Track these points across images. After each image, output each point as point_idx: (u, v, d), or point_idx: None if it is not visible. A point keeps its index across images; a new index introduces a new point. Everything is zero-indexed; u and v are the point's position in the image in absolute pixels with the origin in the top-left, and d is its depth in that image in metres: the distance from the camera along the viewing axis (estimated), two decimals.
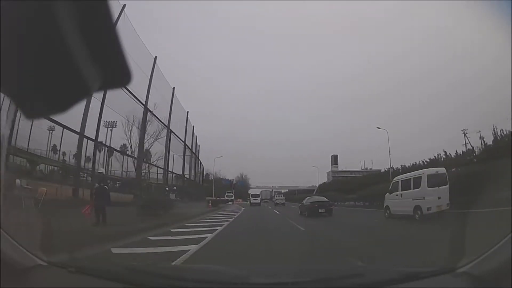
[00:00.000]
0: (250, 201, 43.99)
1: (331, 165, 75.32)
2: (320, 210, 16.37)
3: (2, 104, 4.90)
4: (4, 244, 1.47)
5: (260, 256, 5.95)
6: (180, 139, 30.51)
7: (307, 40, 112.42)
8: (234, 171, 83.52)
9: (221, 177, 73.66)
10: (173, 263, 5.00)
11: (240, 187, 75.18)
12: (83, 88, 0.74)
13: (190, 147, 36.16)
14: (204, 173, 65.48)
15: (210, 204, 28.71)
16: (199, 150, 45.08)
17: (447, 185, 11.77)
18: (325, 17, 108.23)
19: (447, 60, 73.64)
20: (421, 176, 12.28)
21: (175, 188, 24.93)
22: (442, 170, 12.70)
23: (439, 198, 11.39)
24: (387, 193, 14.36)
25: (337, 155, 75.70)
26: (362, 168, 65.68)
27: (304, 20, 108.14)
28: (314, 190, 57.90)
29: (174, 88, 27.20)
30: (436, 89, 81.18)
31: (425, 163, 22.69)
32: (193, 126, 37.92)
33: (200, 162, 46.76)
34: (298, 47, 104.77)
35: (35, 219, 6.00)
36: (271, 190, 76.00)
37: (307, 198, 19.69)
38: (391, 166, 28.34)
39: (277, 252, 6.30)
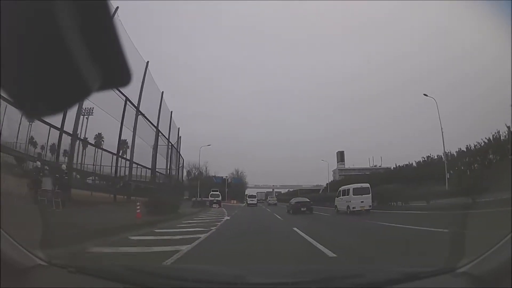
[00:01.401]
0: (247, 202, 45.30)
1: (337, 162, 68.89)
2: (302, 209, 20.23)
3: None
4: (4, 244, 1.47)
5: None
6: (126, 98, 16.82)
7: (307, 40, 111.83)
8: (234, 171, 74.28)
9: (213, 174, 64.47)
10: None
11: (235, 186, 67.08)
12: (83, 88, 0.74)
13: (158, 127, 23.53)
14: (195, 171, 57.81)
15: (138, 209, 12.36)
16: (179, 139, 33.66)
17: (370, 194, 18.79)
18: (326, 17, 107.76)
19: (449, 60, 73.42)
20: (349, 188, 19.61)
21: (65, 169, 12.47)
22: (366, 185, 19.50)
23: (362, 202, 18.12)
24: (336, 197, 21.55)
25: (343, 152, 69.32)
26: (371, 165, 61.01)
27: (305, 20, 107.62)
28: (320, 189, 54.41)
29: None
30: (437, 89, 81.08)
31: (481, 144, 20.48)
32: (162, 92, 25.49)
33: (178, 153, 33.58)
34: (298, 47, 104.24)
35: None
36: (271, 189, 72.67)
37: (293, 199, 24.25)
38: (435, 154, 26.14)
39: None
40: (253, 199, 44.74)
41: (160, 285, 1.69)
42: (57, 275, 1.71)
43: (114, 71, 0.78)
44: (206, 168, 63.77)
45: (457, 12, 63.90)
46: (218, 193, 39.77)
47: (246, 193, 58.35)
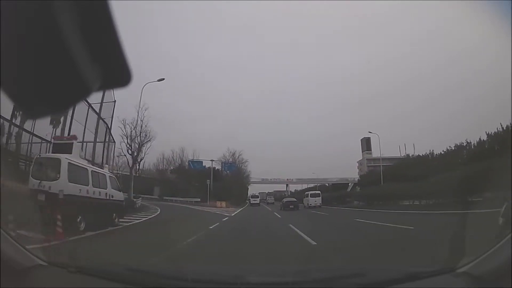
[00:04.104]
0: (250, 202, 44.77)
1: (362, 151, 57.42)
2: (290, 206, 27.21)
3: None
4: (4, 244, 1.47)
5: None
6: None
7: (308, 39, 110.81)
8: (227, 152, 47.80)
9: (192, 158, 42.49)
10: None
11: (231, 178, 44.73)
12: (83, 88, 0.74)
13: None
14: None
15: None
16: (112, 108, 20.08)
17: (320, 197, 31.24)
18: (327, 16, 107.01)
19: (451, 59, 72.50)
20: (308, 193, 32.97)
21: None
22: (318, 192, 33.83)
23: (315, 201, 30.50)
24: (303, 198, 33.26)
25: (369, 138, 54.34)
26: (403, 154, 48.94)
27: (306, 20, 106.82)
28: (349, 184, 47.37)
29: None
30: (437, 89, 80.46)
31: None
32: None
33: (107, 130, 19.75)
34: (299, 46, 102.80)
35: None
36: (285, 184, 60.75)
37: (284, 198, 33.87)
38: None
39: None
40: (256, 199, 44.75)
41: (160, 285, 1.69)
42: (57, 275, 1.71)
43: (114, 71, 0.78)
44: (149, 133, 27.24)
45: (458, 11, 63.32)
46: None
47: (249, 194, 50.79)
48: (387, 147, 50.10)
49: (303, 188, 56.99)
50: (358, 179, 45.37)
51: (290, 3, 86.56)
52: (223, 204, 32.38)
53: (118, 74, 0.79)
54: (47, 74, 0.71)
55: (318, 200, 30.77)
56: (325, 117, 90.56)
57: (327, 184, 55.70)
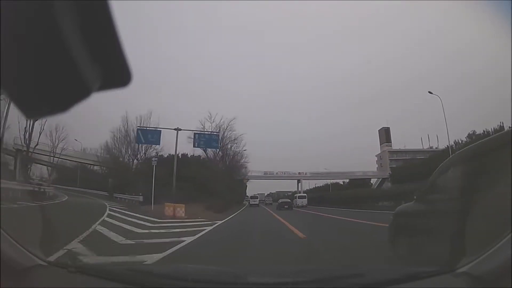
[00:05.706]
0: (249, 202, 44.30)
1: (381, 143, 51.02)
2: (285, 206, 29.57)
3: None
4: (4, 244, 1.47)
5: None
6: None
7: (310, 39, 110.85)
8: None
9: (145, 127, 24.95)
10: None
11: (211, 163, 30.17)
12: (83, 88, 0.74)
13: None
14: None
15: None
16: None
17: (306, 198, 38.77)
18: (328, 16, 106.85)
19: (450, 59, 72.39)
20: (296, 195, 41.82)
21: None
22: (304, 194, 42.38)
23: (302, 201, 37.51)
24: (293, 199, 39.17)
25: (388, 129, 49.72)
26: (428, 147, 45.68)
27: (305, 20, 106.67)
28: (375, 179, 44.36)
29: None
30: (439, 88, 79.99)
31: None
32: None
33: None
34: (300, 46, 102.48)
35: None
36: (296, 180, 51.51)
37: (280, 199, 38.26)
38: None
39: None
40: (255, 200, 44.53)
41: (160, 285, 1.69)
42: (57, 275, 1.71)
43: (114, 71, 0.78)
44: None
45: (458, 12, 63.42)
46: None
47: (247, 195, 48.98)
48: (395, 142, 48.53)
49: (311, 187, 53.49)
50: (389, 173, 39.14)
51: (290, 3, 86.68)
52: (180, 209, 16.12)
53: (118, 74, 0.79)
54: (47, 74, 0.71)
55: (304, 201, 37.57)
56: (329, 116, 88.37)
57: (342, 183, 48.05)
